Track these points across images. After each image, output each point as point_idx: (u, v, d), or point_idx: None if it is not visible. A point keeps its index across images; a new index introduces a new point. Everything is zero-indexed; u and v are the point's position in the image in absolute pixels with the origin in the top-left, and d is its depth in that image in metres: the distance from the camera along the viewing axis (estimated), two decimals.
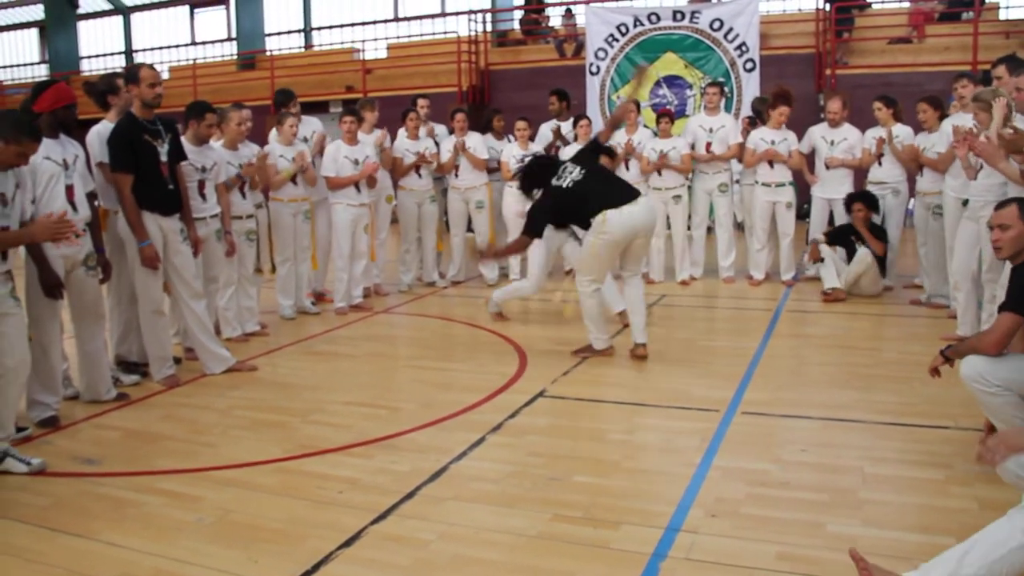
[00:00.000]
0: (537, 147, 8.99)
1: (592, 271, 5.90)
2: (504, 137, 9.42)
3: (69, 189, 4.85)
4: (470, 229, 9.31)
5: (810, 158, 8.50)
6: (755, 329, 6.81)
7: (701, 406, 4.90)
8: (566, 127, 9.34)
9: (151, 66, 5.51)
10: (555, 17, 17.73)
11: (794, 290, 8.30)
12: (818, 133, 8.36)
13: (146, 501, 3.85)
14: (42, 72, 25.04)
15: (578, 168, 5.84)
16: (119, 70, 6.29)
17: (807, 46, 14.37)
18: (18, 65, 27.06)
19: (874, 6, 15.56)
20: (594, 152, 6.16)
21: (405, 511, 3.65)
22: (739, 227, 9.75)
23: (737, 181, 9.45)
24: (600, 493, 3.77)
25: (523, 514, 3.58)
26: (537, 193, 5.96)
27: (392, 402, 5.27)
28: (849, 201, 7.98)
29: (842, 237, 7.95)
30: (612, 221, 5.64)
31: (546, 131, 9.40)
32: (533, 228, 5.88)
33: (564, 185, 5.77)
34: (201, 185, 6.08)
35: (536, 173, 6.02)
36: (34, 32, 27.48)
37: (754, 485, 3.77)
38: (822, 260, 7.91)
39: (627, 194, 5.75)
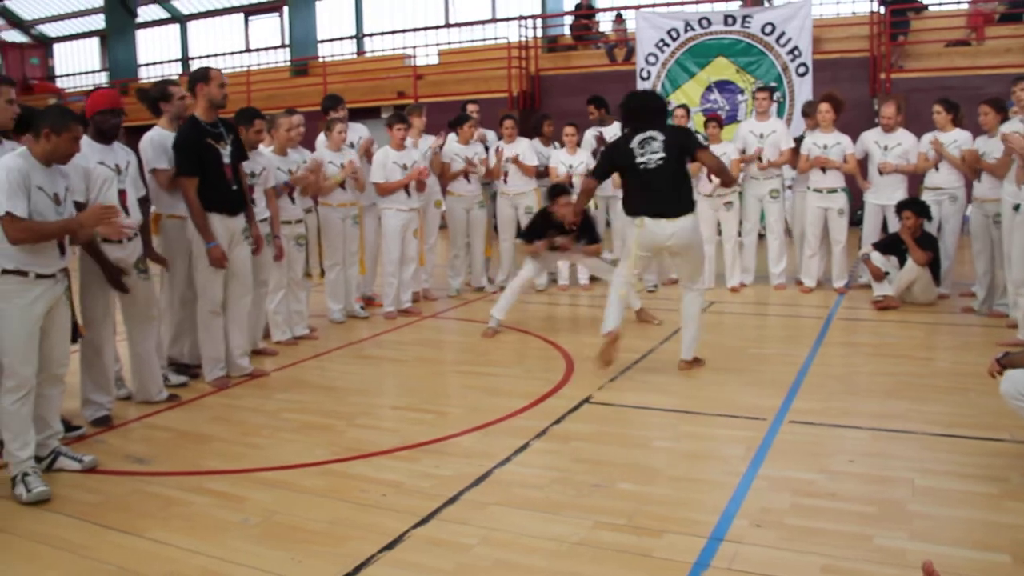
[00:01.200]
0: (585, 153, 8.97)
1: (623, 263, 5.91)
2: (552, 143, 9.42)
3: (122, 194, 4.95)
4: (519, 235, 9.31)
5: (864, 164, 8.37)
6: (806, 337, 6.71)
7: (748, 414, 4.84)
8: (609, 131, 9.31)
9: (219, 69, 5.65)
10: (605, 22, 17.70)
11: (846, 298, 8.17)
12: (871, 138, 8.22)
13: (194, 500, 3.91)
14: (102, 80, 25.66)
15: (661, 154, 5.60)
16: (172, 77, 6.42)
17: (861, 50, 14.16)
18: (80, 73, 27.78)
19: (931, 8, 15.27)
20: (684, 150, 5.76)
21: (448, 515, 3.66)
22: (790, 233, 9.63)
23: (789, 187, 9.33)
24: (644, 501, 3.75)
25: (566, 520, 3.57)
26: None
27: (438, 406, 5.29)
28: (899, 208, 7.83)
29: (893, 245, 7.80)
30: (645, 229, 5.62)
31: (589, 137, 9.37)
32: (596, 170, 5.96)
33: (638, 161, 5.61)
34: (251, 190, 6.17)
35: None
36: (95, 41, 28.20)
37: (800, 495, 3.72)
38: (886, 275, 7.76)
39: (673, 208, 5.60)
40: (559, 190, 7.32)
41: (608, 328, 5.68)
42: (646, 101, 5.95)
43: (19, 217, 3.91)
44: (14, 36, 28.73)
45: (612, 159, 5.86)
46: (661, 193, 5.60)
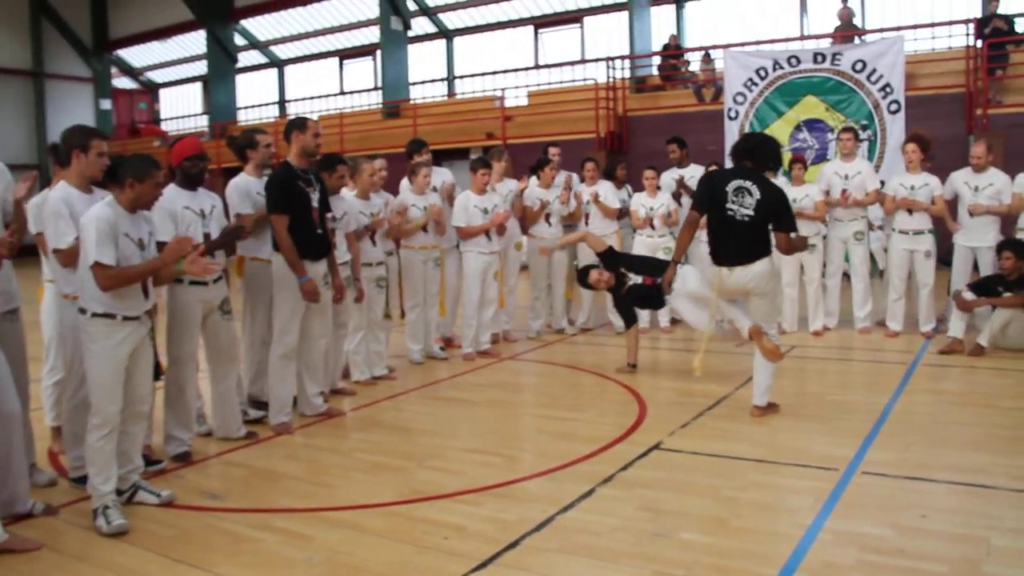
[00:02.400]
0: (665, 195, 8.95)
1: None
2: (624, 186, 9.45)
3: (206, 237, 5.17)
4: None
5: (953, 205, 8.14)
6: (888, 383, 6.54)
7: (820, 464, 4.74)
8: (688, 172, 9.28)
9: (316, 120, 5.88)
10: (694, 62, 17.65)
11: (933, 342, 7.92)
12: (961, 179, 8.01)
13: (262, 538, 4.02)
14: (203, 123, 26.74)
15: (750, 212, 5.57)
16: (256, 125, 6.68)
17: (957, 85, 13.79)
18: (183, 116, 29.02)
19: None
20: (774, 218, 5.66)
21: (507, 560, 3.68)
22: (882, 275, 9.39)
23: (880, 227, 9.13)
24: (704, 551, 3.70)
25: (624, 570, 3.55)
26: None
27: (508, 450, 5.33)
28: (999, 249, 7.56)
29: (988, 288, 7.53)
30: (724, 277, 5.67)
31: (668, 180, 9.34)
32: (697, 203, 5.86)
33: (728, 207, 5.59)
34: (332, 233, 6.34)
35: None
36: (198, 86, 29.43)
37: (866, 551, 3.62)
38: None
39: (748, 255, 5.62)
40: (587, 270, 7.50)
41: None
42: (755, 144, 5.89)
43: (107, 265, 4.12)
44: (124, 83, 30.20)
45: (709, 191, 5.78)
46: (739, 243, 5.61)
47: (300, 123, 5.84)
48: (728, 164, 11.99)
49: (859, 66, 12.68)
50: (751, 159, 5.72)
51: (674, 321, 9.19)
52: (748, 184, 5.60)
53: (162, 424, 5.27)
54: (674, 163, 9.50)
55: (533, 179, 8.95)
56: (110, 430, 4.23)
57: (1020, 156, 7.95)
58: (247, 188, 5.86)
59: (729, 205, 5.59)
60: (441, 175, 8.44)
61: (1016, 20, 14.30)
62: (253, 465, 5.13)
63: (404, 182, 7.94)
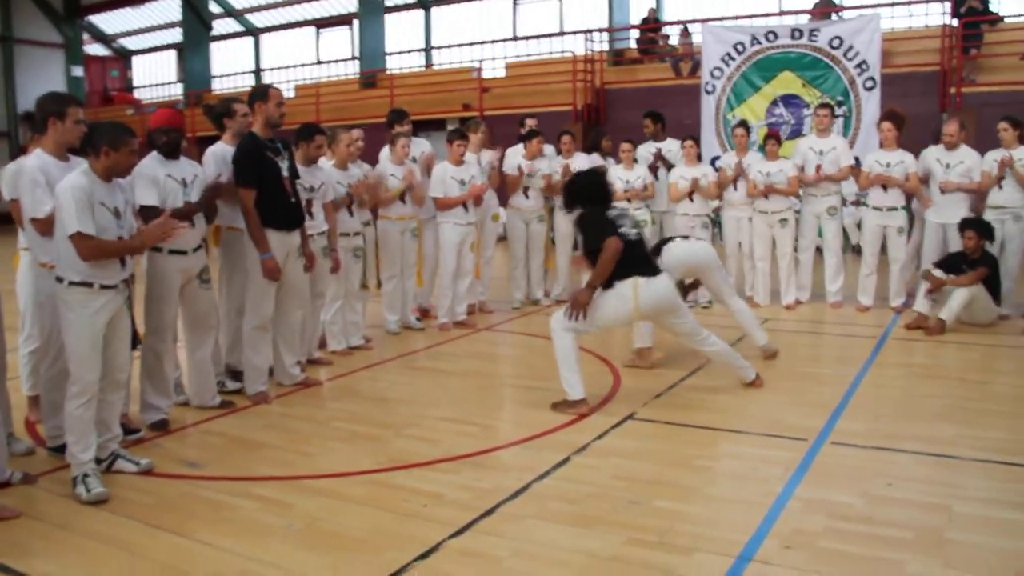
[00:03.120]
0: (641, 168, 9.00)
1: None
2: (609, 158, 9.47)
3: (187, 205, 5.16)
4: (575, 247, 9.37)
5: (925, 182, 8.25)
6: (858, 357, 6.66)
7: (791, 434, 4.83)
8: (666, 146, 9.32)
9: (278, 88, 5.84)
10: (672, 36, 17.66)
11: (903, 317, 8.05)
12: (933, 156, 8.11)
13: (241, 505, 4.06)
14: (178, 91, 26.44)
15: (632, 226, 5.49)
16: (233, 94, 6.62)
17: (932, 63, 13.92)
18: (158, 85, 28.67)
19: (1007, 20, 14.93)
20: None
21: (483, 527, 3.74)
22: (855, 250, 9.51)
23: (854, 202, 9.22)
24: (678, 519, 3.78)
25: (599, 536, 3.62)
26: (575, 211, 5.56)
27: (484, 419, 5.39)
28: (962, 227, 7.68)
29: (954, 264, 7.65)
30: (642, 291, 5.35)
31: (644, 153, 9.37)
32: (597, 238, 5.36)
33: (627, 234, 5.37)
34: (309, 204, 6.34)
35: (582, 191, 5.58)
36: (172, 54, 29.11)
37: (834, 518, 3.72)
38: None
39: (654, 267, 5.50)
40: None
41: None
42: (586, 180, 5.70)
43: (88, 235, 4.11)
44: (97, 49, 29.79)
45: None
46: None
47: (261, 93, 5.74)
48: (709, 137, 12.19)
49: (836, 42, 12.75)
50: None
51: None
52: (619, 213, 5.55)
53: (139, 393, 5.28)
54: (648, 137, 9.54)
55: (519, 147, 8.96)
56: (89, 398, 4.24)
57: (991, 135, 8.03)
58: (224, 156, 5.81)
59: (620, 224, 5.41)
60: (420, 146, 8.42)
61: (990, 0, 14.42)
62: (231, 434, 5.16)
63: (384, 151, 7.94)
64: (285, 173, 5.76)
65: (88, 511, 4.03)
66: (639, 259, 5.40)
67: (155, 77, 29.74)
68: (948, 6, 14.18)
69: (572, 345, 5.46)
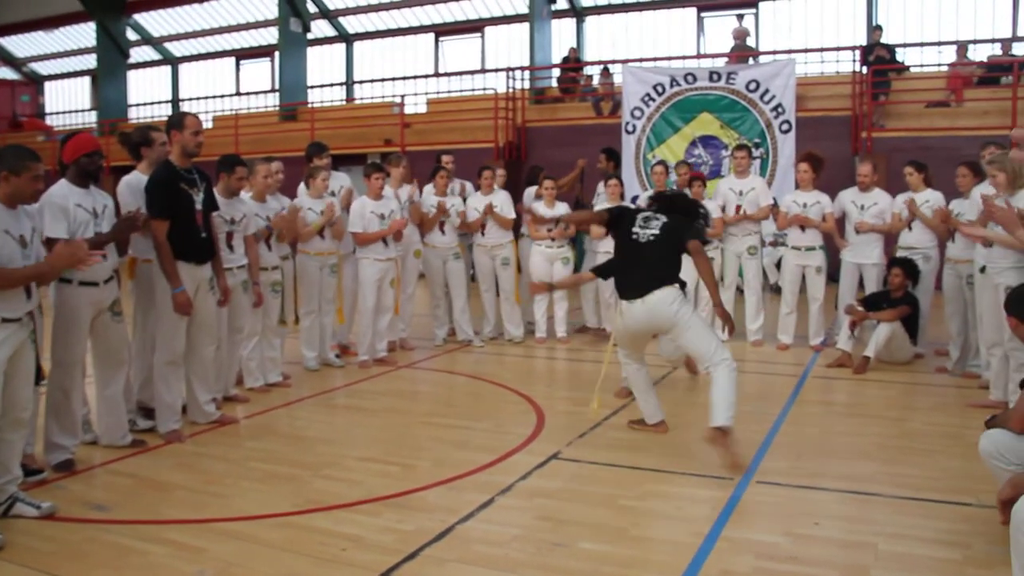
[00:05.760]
0: (562, 207, 8.99)
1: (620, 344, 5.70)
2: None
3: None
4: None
5: (841, 223, 8.44)
6: (779, 395, 6.72)
7: (717, 474, 4.82)
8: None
9: (196, 115, 5.64)
10: (593, 76, 17.90)
11: (822, 355, 8.18)
12: (848, 197, 8.30)
13: (150, 550, 3.86)
14: (91, 119, 25.76)
15: (658, 228, 5.41)
16: (152, 122, 6.43)
17: (844, 108, 14.40)
18: (70, 112, 27.92)
19: (912, 69, 15.55)
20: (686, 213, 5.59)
21: (405, 571, 3.62)
22: (775, 289, 9.64)
23: (774, 243, 9.36)
24: (604, 561, 3.71)
25: None
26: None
27: (406, 459, 5.25)
28: (890, 265, 7.88)
29: (875, 304, 7.82)
30: (624, 312, 5.42)
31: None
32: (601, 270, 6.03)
33: (638, 236, 5.41)
34: (229, 236, 6.18)
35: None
36: (86, 80, 28.39)
37: (762, 558, 3.69)
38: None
39: (643, 287, 5.27)
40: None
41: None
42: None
43: None
44: (5, 73, 28.91)
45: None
46: (642, 270, 5.35)
47: (178, 121, 5.55)
48: (630, 176, 12.32)
49: (753, 86, 13.07)
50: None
51: (577, 331, 9.31)
52: (646, 216, 5.54)
53: (43, 431, 5.01)
54: (600, 174, 9.61)
55: (428, 187, 8.91)
56: None
57: (900, 178, 8.27)
58: (140, 187, 5.62)
59: (632, 230, 5.47)
60: (340, 180, 8.30)
61: (897, 50, 15.00)
62: (141, 475, 4.93)
63: (302, 186, 7.79)
64: (199, 206, 5.57)
65: None
66: (629, 275, 5.40)
67: (68, 104, 28.97)
68: (858, 54, 14.70)
69: (634, 375, 5.69)
